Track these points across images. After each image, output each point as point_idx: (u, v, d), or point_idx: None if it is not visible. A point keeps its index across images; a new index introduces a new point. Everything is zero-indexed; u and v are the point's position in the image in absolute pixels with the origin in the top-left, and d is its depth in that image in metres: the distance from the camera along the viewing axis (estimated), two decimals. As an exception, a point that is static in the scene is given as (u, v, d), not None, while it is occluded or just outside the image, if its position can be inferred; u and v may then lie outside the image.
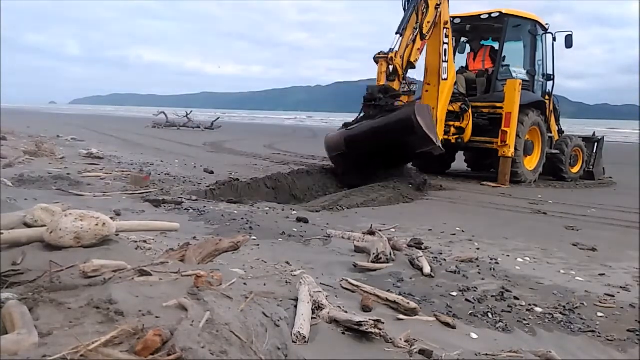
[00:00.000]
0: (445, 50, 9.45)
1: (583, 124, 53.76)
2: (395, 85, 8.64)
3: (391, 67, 8.59)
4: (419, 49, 8.94)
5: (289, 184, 7.84)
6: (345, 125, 8.81)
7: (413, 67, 9.01)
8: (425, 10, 8.84)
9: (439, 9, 9.09)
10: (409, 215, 6.32)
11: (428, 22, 8.94)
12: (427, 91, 9.66)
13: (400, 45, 8.63)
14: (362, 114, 8.54)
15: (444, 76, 9.45)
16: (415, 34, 8.75)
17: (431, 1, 8.95)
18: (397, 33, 8.64)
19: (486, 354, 2.40)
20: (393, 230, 5.26)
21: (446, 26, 9.44)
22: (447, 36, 9.49)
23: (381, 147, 7.94)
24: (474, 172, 12.30)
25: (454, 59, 11.44)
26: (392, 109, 8.22)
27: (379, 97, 8.25)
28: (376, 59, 8.59)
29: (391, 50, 8.52)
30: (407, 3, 8.82)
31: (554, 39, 11.00)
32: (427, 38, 9.02)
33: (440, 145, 8.17)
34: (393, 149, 7.98)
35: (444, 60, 9.41)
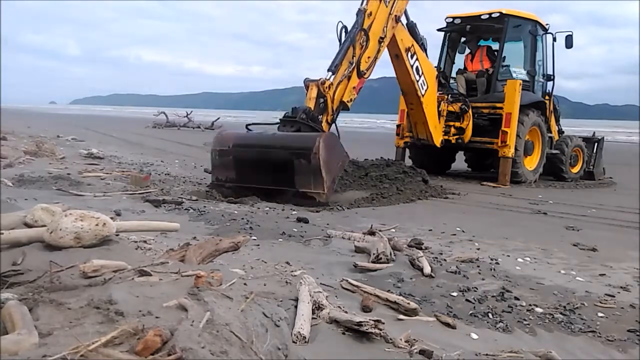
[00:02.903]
0: (417, 67, 8.89)
1: (583, 124, 53.81)
2: (323, 125, 7.16)
3: (321, 100, 7.14)
4: (354, 88, 7.51)
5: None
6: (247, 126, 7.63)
7: (347, 108, 7.56)
8: (364, 43, 7.48)
9: (382, 43, 7.87)
10: (409, 215, 6.32)
11: (368, 58, 7.61)
12: (412, 109, 9.61)
13: (333, 80, 7.22)
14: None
15: (423, 91, 9.09)
16: (351, 69, 7.34)
17: (372, 34, 7.58)
18: (328, 70, 7.21)
19: (486, 354, 2.40)
20: (393, 230, 5.25)
21: (410, 50, 8.64)
22: (414, 55, 8.73)
23: (268, 162, 6.57)
24: (474, 172, 12.32)
25: (454, 58, 11.46)
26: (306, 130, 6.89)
27: (301, 118, 6.89)
28: (306, 84, 7.17)
29: (324, 80, 7.12)
30: (341, 33, 7.39)
31: (554, 39, 11.01)
32: (365, 76, 7.64)
33: (327, 199, 6.42)
34: (279, 170, 6.51)
35: (417, 79, 8.90)
